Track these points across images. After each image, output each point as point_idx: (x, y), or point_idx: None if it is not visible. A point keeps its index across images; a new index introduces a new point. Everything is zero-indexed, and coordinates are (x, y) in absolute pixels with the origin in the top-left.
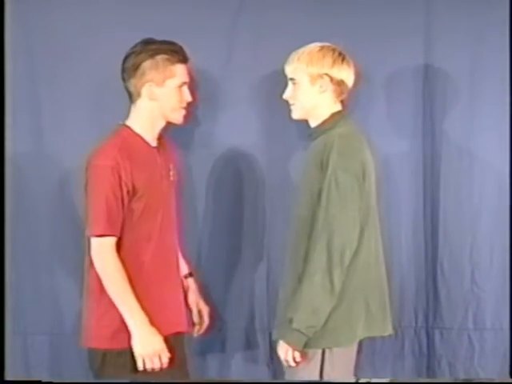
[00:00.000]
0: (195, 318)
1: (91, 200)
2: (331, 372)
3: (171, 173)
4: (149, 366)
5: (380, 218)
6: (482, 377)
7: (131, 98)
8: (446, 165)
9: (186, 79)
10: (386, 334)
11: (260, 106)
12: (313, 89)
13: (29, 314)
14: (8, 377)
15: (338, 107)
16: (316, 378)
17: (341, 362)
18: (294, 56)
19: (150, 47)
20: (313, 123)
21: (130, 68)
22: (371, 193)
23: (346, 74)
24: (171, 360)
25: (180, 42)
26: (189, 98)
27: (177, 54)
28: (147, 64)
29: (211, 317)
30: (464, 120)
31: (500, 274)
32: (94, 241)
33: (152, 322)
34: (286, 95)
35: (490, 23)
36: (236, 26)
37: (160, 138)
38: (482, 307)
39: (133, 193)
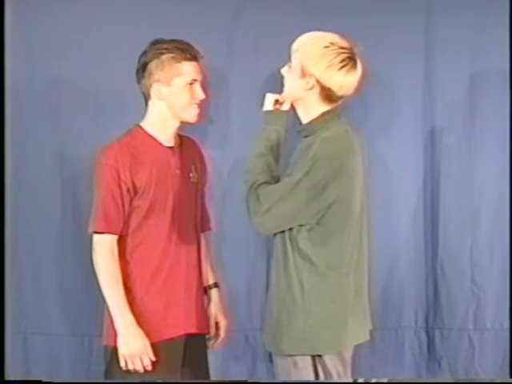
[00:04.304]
0: (211, 331)
1: (94, 197)
2: (328, 376)
3: (191, 174)
4: (130, 367)
5: (371, 222)
6: (482, 377)
7: (145, 98)
8: (446, 165)
9: (196, 77)
10: (363, 341)
11: (261, 103)
12: (300, 82)
13: (29, 314)
14: (8, 377)
15: (328, 107)
16: None
17: (336, 368)
18: (303, 39)
19: (156, 47)
20: (304, 118)
21: (140, 69)
22: (350, 202)
23: (337, 85)
24: (184, 360)
25: (180, 39)
26: (201, 96)
27: (183, 52)
28: (153, 64)
29: (228, 331)
30: (464, 119)
31: (500, 274)
32: (94, 237)
33: (156, 322)
34: (283, 70)
35: (490, 23)
36: (236, 22)
37: (180, 138)
38: (482, 307)
39: (134, 191)
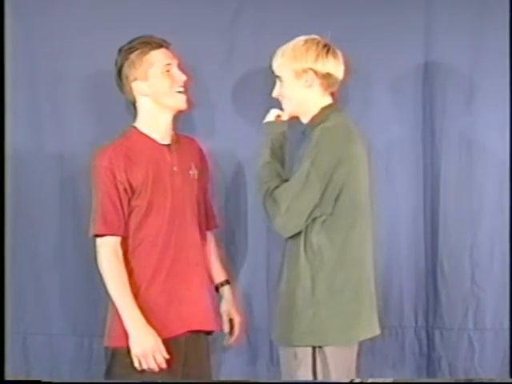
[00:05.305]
0: (225, 328)
1: (93, 200)
2: (325, 372)
3: (191, 171)
4: (144, 366)
5: (375, 217)
6: (482, 377)
7: (133, 105)
8: (446, 164)
9: (169, 61)
10: (374, 335)
11: (260, 104)
12: (298, 84)
13: (29, 314)
14: (8, 377)
15: (327, 101)
16: (309, 378)
17: (335, 362)
18: (279, 52)
19: (122, 51)
20: (304, 120)
21: (117, 79)
22: (357, 191)
23: (332, 67)
24: (186, 359)
25: (179, 41)
26: (181, 77)
27: (148, 43)
28: (125, 67)
29: (243, 327)
30: (464, 119)
31: (500, 274)
32: (97, 240)
33: (158, 320)
34: (275, 93)
35: (490, 22)
36: (235, 25)
37: (177, 136)
38: (482, 307)
39: (131, 191)
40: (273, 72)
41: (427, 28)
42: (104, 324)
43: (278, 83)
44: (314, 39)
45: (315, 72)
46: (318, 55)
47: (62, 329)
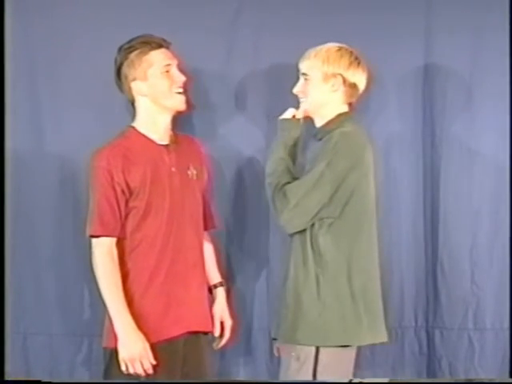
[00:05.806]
0: (216, 331)
1: (90, 200)
2: (324, 374)
3: (189, 172)
4: (131, 371)
5: (378, 220)
6: (482, 377)
7: (132, 104)
8: (446, 165)
9: (169, 62)
10: (381, 341)
11: (260, 104)
12: (324, 86)
13: (29, 314)
14: (8, 377)
15: (344, 108)
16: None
17: (336, 364)
18: (311, 52)
19: (122, 49)
20: (318, 123)
21: (116, 78)
22: (366, 197)
23: (360, 78)
24: (185, 360)
25: (179, 41)
26: (181, 78)
27: (148, 43)
28: (125, 66)
29: (234, 331)
30: (464, 120)
31: (500, 274)
32: (92, 241)
33: (157, 322)
34: (296, 89)
35: (490, 22)
36: (236, 25)
37: (175, 136)
38: (482, 307)
39: (128, 192)
40: (298, 70)
41: (427, 28)
42: (103, 324)
43: (301, 80)
44: (347, 48)
45: (344, 79)
46: (350, 64)
47: (62, 329)
